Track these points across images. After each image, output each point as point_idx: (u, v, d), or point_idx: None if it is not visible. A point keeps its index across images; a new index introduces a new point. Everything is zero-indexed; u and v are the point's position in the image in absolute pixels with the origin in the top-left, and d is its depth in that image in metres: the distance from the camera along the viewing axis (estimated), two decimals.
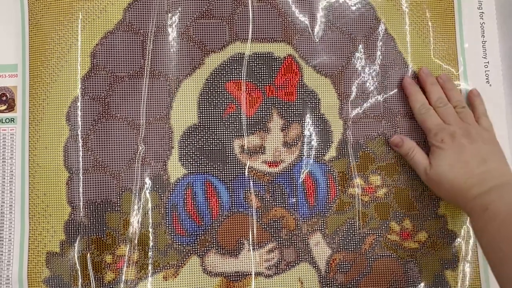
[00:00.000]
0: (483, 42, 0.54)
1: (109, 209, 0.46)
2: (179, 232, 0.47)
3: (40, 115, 0.47)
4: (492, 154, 0.45)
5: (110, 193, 0.47)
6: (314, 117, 0.50)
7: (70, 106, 0.47)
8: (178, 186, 0.48)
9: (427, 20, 0.53)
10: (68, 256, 0.45)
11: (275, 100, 0.49)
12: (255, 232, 0.48)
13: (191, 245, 0.47)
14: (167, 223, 0.47)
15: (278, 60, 0.50)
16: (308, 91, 0.50)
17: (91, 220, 0.46)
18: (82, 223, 0.46)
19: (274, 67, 0.49)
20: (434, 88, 0.50)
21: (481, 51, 0.53)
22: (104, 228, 0.46)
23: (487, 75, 0.53)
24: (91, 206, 0.46)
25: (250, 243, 0.48)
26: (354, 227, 0.49)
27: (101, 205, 0.46)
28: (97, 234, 0.46)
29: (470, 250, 0.50)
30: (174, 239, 0.47)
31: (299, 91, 0.50)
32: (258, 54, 0.49)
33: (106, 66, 0.48)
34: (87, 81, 0.47)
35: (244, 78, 0.49)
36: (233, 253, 0.47)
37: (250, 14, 0.49)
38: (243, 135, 0.49)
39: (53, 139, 0.47)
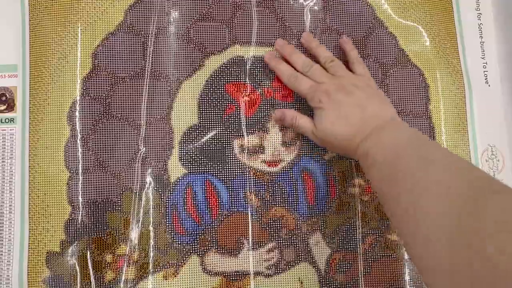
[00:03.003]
0: (481, 43, 0.54)
1: (109, 209, 0.46)
2: (179, 231, 0.47)
3: (40, 115, 0.47)
4: (368, 99, 0.44)
5: (110, 192, 0.47)
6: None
7: (71, 107, 0.47)
8: (178, 185, 0.48)
9: (428, 19, 0.53)
10: (68, 255, 0.45)
11: (274, 101, 0.49)
12: (254, 231, 0.48)
13: (191, 244, 0.47)
14: (167, 222, 0.47)
15: None
16: None
17: (92, 220, 0.46)
18: (82, 223, 0.46)
19: (272, 70, 0.50)
20: (294, 57, 0.49)
21: (480, 51, 0.54)
22: (105, 228, 0.46)
23: (485, 75, 0.53)
24: (92, 206, 0.46)
25: (250, 242, 0.48)
26: (354, 227, 0.49)
27: (102, 205, 0.46)
28: (98, 233, 0.46)
29: None
30: (174, 238, 0.47)
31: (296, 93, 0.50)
32: (257, 57, 0.50)
33: (107, 67, 0.48)
34: (88, 82, 0.48)
35: (244, 80, 0.50)
36: (232, 253, 0.47)
37: (254, 18, 0.50)
38: (242, 135, 0.49)
39: (54, 139, 0.47)
